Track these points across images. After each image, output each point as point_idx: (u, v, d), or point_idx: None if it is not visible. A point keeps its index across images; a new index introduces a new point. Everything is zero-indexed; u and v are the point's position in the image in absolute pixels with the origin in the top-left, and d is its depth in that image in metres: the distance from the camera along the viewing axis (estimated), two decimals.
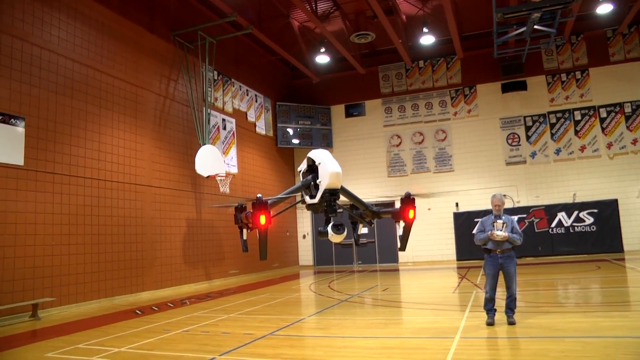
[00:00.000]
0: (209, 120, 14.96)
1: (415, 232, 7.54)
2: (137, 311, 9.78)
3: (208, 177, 14.39)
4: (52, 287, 9.91)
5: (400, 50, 18.44)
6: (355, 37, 17.16)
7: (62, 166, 10.46)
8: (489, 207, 6.87)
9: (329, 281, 14.44)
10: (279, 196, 5.77)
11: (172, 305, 10.53)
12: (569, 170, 18.45)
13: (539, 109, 19.00)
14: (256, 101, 19.01)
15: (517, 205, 18.54)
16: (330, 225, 5.44)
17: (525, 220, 17.96)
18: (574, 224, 17.61)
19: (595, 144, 18.21)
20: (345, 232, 5.48)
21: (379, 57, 20.98)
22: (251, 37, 17.93)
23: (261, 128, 19.24)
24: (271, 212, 5.35)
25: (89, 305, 10.69)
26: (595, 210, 17.46)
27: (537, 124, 18.92)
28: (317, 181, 5.38)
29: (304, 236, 21.49)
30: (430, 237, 19.05)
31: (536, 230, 17.90)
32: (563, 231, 17.72)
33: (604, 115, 18.23)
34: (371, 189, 20.05)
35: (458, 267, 16.48)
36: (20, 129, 9.57)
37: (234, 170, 16.75)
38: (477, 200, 18.38)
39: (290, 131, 20.74)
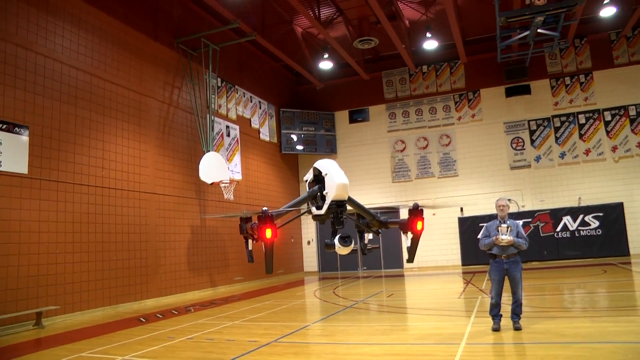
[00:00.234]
0: (212, 127, 14.99)
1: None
2: (142, 319, 9.76)
3: (212, 184, 14.40)
4: (56, 295, 9.90)
5: (404, 56, 18.45)
6: (358, 43, 17.17)
7: (66, 174, 10.48)
8: (494, 211, 6.83)
9: (333, 287, 14.38)
10: (285, 208, 5.66)
11: (176, 312, 10.51)
12: (573, 174, 18.35)
13: (543, 112, 18.94)
14: (260, 108, 19.04)
15: (522, 209, 18.45)
16: (337, 237, 5.33)
17: (531, 225, 17.86)
18: (580, 228, 17.50)
19: (600, 147, 18.11)
20: (352, 244, 5.37)
21: (383, 62, 20.99)
22: (255, 44, 18.00)
23: (265, 134, 19.26)
24: (277, 224, 5.25)
25: (93, 313, 10.68)
26: (601, 214, 17.36)
27: (542, 127, 18.85)
28: (324, 192, 5.29)
29: (309, 242, 21.45)
30: (435, 242, 18.95)
31: (541, 235, 17.79)
32: (568, 235, 17.61)
33: (608, 118, 18.15)
34: (376, 195, 20.02)
35: (463, 272, 16.40)
36: (24, 138, 9.61)
37: (238, 177, 16.76)
38: (481, 205, 18.30)
39: (295, 137, 20.75)
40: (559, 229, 17.71)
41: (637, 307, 8.38)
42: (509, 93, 19.20)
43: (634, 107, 17.87)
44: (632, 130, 17.81)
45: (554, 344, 5.70)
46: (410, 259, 5.94)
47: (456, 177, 19.73)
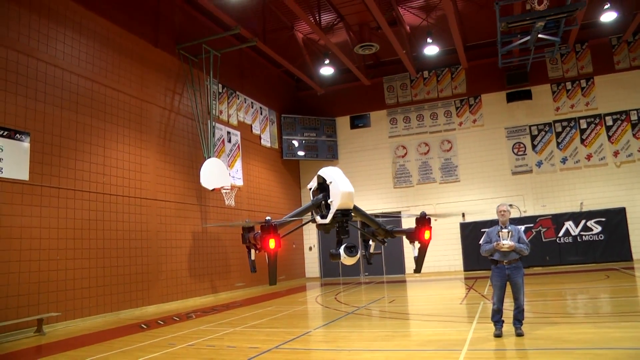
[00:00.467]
0: (214, 133, 15.01)
1: None
2: (143, 325, 9.73)
3: (213, 190, 14.40)
4: (57, 302, 9.88)
5: (405, 61, 18.48)
6: (359, 49, 17.22)
7: (67, 181, 10.49)
8: (496, 217, 6.81)
9: (335, 293, 14.34)
10: (288, 218, 5.53)
11: (177, 318, 10.47)
12: (575, 179, 18.31)
13: (544, 117, 18.94)
14: (261, 113, 19.07)
15: (524, 214, 18.40)
16: (342, 247, 5.21)
17: (533, 230, 17.82)
18: (582, 233, 17.44)
19: (601, 152, 18.09)
20: (358, 254, 5.26)
21: (384, 68, 21.03)
22: (255, 50, 18.04)
23: (266, 140, 19.28)
24: (281, 234, 5.12)
25: (95, 320, 10.65)
26: (603, 219, 17.31)
27: (543, 133, 18.84)
28: (329, 201, 5.18)
29: (310, 248, 21.41)
30: (437, 248, 18.88)
31: (543, 240, 17.74)
32: (571, 240, 17.55)
33: (610, 123, 18.14)
34: (377, 200, 20.00)
35: (465, 278, 16.33)
36: (25, 144, 9.62)
37: (240, 183, 16.75)
38: (483, 210, 18.26)
39: (296, 143, 20.77)
40: (561, 234, 17.66)
41: None
42: (510, 98, 19.21)
43: (635, 111, 17.86)
44: (634, 135, 17.79)
45: (556, 350, 5.66)
46: (418, 270, 5.79)
47: (458, 183, 19.70)
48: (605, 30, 18.18)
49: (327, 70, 19.07)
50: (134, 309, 11.80)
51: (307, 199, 5.61)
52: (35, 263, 9.55)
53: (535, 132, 18.94)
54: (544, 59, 18.39)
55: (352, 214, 5.32)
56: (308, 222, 5.90)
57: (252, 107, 18.45)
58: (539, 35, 14.82)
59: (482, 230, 16.98)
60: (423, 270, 5.88)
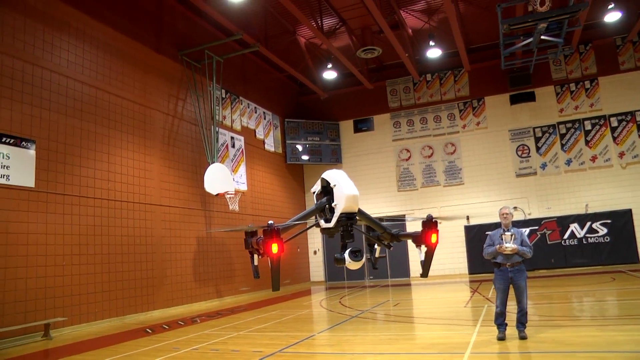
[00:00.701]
0: (217, 138, 15.08)
1: None
2: (148, 330, 9.78)
3: (217, 195, 14.45)
4: (63, 307, 9.96)
5: (407, 64, 18.50)
6: (361, 52, 17.26)
7: (72, 187, 10.58)
8: (499, 220, 6.82)
9: (340, 297, 14.34)
10: (291, 222, 5.37)
11: (182, 323, 10.52)
12: (580, 181, 18.23)
13: (548, 119, 18.89)
14: (264, 118, 19.14)
15: (528, 217, 18.34)
16: (347, 251, 5.05)
17: (537, 232, 17.75)
18: (587, 235, 17.34)
19: (606, 154, 18.00)
20: (363, 259, 5.08)
21: (386, 71, 21.06)
22: (258, 55, 18.12)
23: (270, 145, 19.34)
24: (284, 238, 4.95)
25: (100, 325, 10.71)
26: (609, 221, 17.21)
27: (547, 134, 18.79)
28: (333, 204, 5.02)
29: (315, 252, 21.42)
30: (442, 251, 18.82)
31: (548, 242, 17.66)
32: (576, 242, 17.46)
33: (615, 124, 18.05)
34: (381, 204, 20.00)
35: (470, 281, 16.30)
36: (31, 152, 9.72)
37: (244, 187, 16.81)
38: (488, 213, 18.19)
39: (300, 147, 20.82)
40: (566, 236, 17.57)
41: None
42: (514, 100, 19.18)
43: None
44: None
45: (559, 353, 5.65)
46: (425, 274, 5.62)
47: (462, 186, 19.67)
48: (610, 31, 18.08)
49: (329, 75, 19.12)
50: (139, 314, 11.86)
51: (311, 203, 5.52)
52: (41, 269, 9.64)
53: (539, 134, 18.89)
54: (547, 60, 18.30)
55: (357, 217, 5.18)
56: (312, 226, 5.75)
57: (256, 112, 18.53)
58: (542, 37, 14.75)
59: (487, 233, 16.92)
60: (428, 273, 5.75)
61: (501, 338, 6.44)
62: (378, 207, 19.49)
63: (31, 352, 8.12)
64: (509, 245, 6.45)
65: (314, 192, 5.58)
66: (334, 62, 18.48)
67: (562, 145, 18.55)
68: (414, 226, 7.41)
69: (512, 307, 6.74)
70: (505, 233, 6.55)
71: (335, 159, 21.20)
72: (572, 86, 18.72)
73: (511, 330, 6.54)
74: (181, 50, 14.64)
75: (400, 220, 17.04)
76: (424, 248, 5.47)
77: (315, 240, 21.39)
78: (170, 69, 14.26)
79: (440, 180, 19.99)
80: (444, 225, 18.59)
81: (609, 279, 13.40)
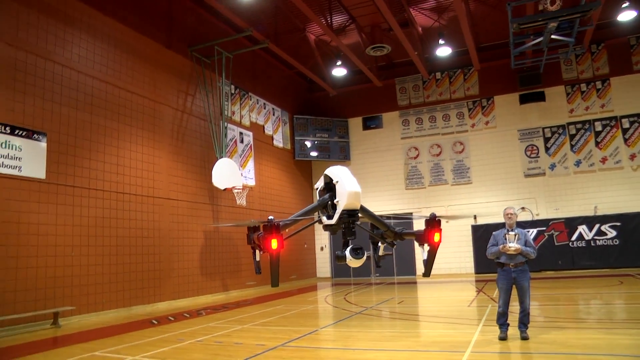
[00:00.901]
0: (226, 133, 15.18)
1: None
2: (154, 321, 9.93)
3: (225, 189, 14.57)
4: (72, 297, 10.15)
5: (417, 63, 18.47)
6: (371, 50, 17.25)
7: (82, 179, 10.74)
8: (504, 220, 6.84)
9: (345, 293, 14.41)
10: (293, 217, 5.34)
11: (188, 315, 10.65)
12: (589, 182, 18.10)
13: (558, 120, 18.76)
14: (273, 114, 19.22)
15: (536, 218, 18.26)
16: (348, 249, 5.03)
17: (545, 233, 17.66)
18: (596, 238, 17.20)
19: (617, 155, 17.83)
20: (365, 257, 5.06)
21: (396, 69, 21.04)
22: (268, 51, 18.18)
23: (279, 141, 19.42)
24: (285, 234, 4.95)
25: (107, 315, 10.89)
26: (618, 224, 17.02)
27: (557, 135, 18.67)
28: (335, 201, 5.02)
29: (322, 248, 21.50)
30: (449, 250, 18.84)
31: (556, 244, 17.56)
32: (584, 245, 17.33)
33: (626, 125, 17.87)
34: (389, 202, 20.02)
35: (476, 281, 16.29)
36: (42, 144, 9.88)
37: (252, 182, 16.92)
38: (495, 212, 18.13)
39: (308, 144, 20.88)
40: (574, 238, 17.45)
41: None
42: (523, 100, 19.08)
43: None
44: None
45: (559, 354, 5.67)
46: (427, 273, 5.61)
47: (470, 185, 19.63)
48: (624, 30, 17.78)
49: (339, 72, 19.14)
50: (145, 305, 12.03)
51: (316, 200, 5.56)
52: (51, 258, 9.82)
53: (549, 135, 18.77)
54: (558, 60, 18.13)
55: (359, 214, 5.17)
56: (314, 222, 5.76)
57: (265, 108, 18.61)
58: (552, 36, 14.62)
59: (494, 232, 16.89)
60: (434, 272, 5.70)
61: (503, 338, 6.47)
62: (385, 204, 19.52)
63: (40, 339, 8.31)
64: (513, 245, 6.48)
65: (317, 189, 5.58)
66: (343, 59, 18.50)
67: (572, 146, 18.42)
68: (419, 224, 7.42)
69: (515, 307, 6.76)
70: (509, 233, 6.57)
71: (343, 156, 21.25)
72: (583, 86, 18.55)
73: (513, 331, 6.57)
74: (191, 46, 14.74)
75: (406, 218, 17.03)
76: (426, 247, 5.44)
77: (322, 236, 21.45)
78: (180, 64, 14.37)
79: (448, 179, 19.96)
80: (451, 224, 18.66)
81: (617, 282, 13.32)
